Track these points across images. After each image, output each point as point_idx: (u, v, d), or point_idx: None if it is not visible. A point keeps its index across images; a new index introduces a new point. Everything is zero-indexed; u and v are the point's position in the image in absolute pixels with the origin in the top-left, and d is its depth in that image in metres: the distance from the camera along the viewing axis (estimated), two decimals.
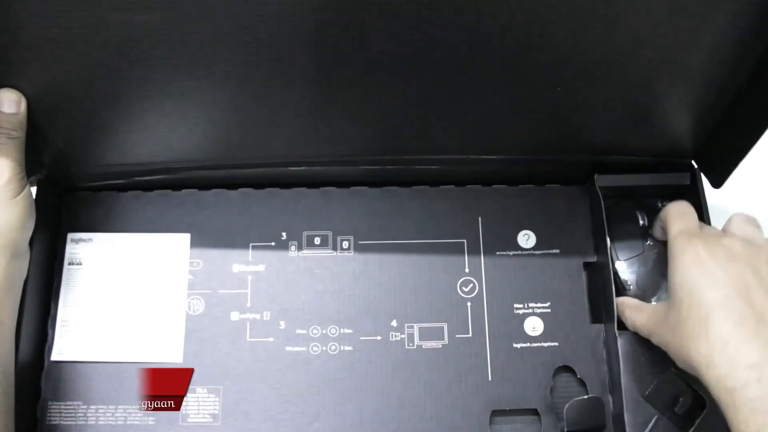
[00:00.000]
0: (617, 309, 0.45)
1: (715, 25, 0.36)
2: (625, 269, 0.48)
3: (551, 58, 0.38)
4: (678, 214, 0.43)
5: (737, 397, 0.34)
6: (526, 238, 0.49)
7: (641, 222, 0.49)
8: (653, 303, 0.46)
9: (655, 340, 0.42)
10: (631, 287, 0.47)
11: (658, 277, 0.47)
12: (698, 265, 0.39)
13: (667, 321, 0.40)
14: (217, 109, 0.42)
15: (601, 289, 0.47)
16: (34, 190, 0.47)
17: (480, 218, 0.50)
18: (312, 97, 0.41)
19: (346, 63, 0.38)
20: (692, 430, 0.43)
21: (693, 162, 0.49)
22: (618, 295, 0.46)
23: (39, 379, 0.46)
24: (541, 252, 0.49)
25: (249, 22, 0.34)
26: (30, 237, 0.43)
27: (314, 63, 0.38)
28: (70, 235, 0.48)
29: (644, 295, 0.47)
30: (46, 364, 0.46)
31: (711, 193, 0.48)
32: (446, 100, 0.42)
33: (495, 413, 0.46)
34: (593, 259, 0.49)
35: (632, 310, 0.44)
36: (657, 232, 0.47)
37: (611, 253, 0.47)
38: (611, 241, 0.47)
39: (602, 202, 0.48)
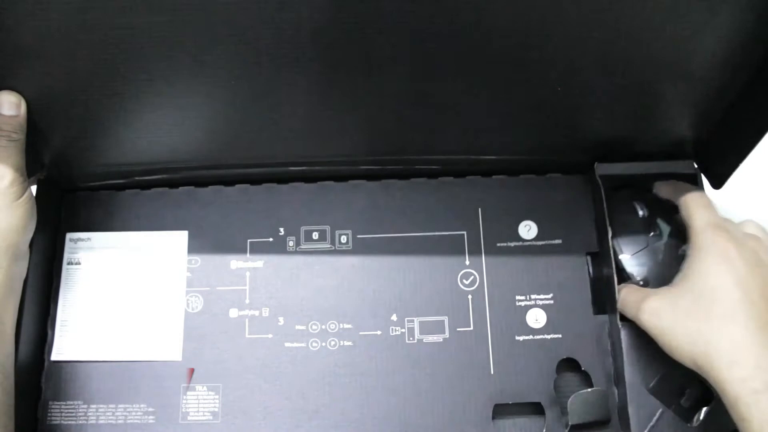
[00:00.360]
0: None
1: (715, 26, 0.36)
2: (633, 264, 0.46)
3: (552, 59, 0.38)
4: (702, 205, 0.42)
5: (762, 398, 0.34)
6: (528, 229, 0.48)
7: (641, 213, 0.47)
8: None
9: (645, 318, 0.41)
10: (641, 283, 0.46)
11: (667, 270, 0.45)
12: (726, 262, 0.38)
13: (675, 306, 0.39)
14: (217, 110, 0.42)
15: (605, 280, 0.46)
16: (33, 188, 0.47)
17: (480, 209, 0.49)
18: (312, 97, 0.41)
19: (346, 64, 0.38)
20: (698, 422, 0.42)
21: (693, 163, 0.48)
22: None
23: (39, 379, 0.46)
24: (543, 243, 0.48)
25: (249, 23, 0.34)
26: (31, 239, 0.43)
27: (314, 64, 0.37)
28: (69, 235, 0.48)
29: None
30: (46, 364, 0.46)
31: (711, 194, 0.46)
32: (446, 100, 0.41)
33: (498, 407, 0.45)
34: (596, 249, 0.48)
35: (627, 289, 0.44)
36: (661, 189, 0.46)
37: (614, 247, 0.46)
38: (613, 235, 0.46)
39: (603, 191, 0.47)
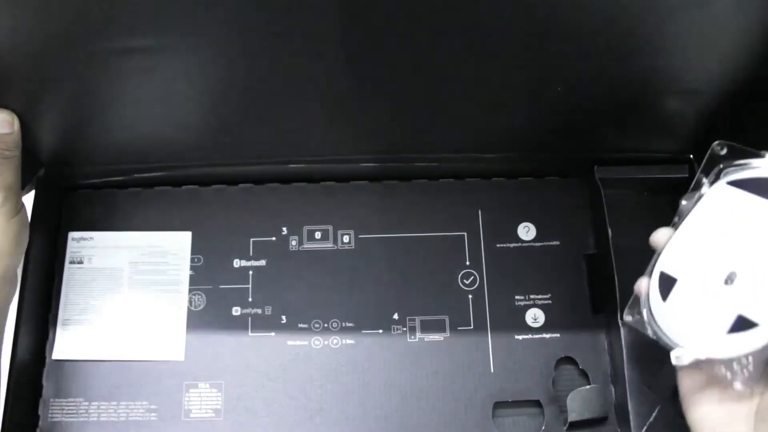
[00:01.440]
0: None
1: (715, 21, 0.36)
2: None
3: (551, 57, 0.38)
4: None
5: None
6: (526, 231, 0.49)
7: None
8: None
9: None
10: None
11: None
12: None
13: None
14: (219, 108, 0.42)
15: (602, 280, 0.47)
16: (32, 192, 0.47)
17: (480, 211, 0.50)
18: (315, 95, 0.41)
19: (347, 63, 0.38)
20: None
21: (692, 156, 0.48)
22: None
23: (40, 377, 0.45)
24: (542, 244, 0.49)
25: (254, 23, 0.34)
26: (26, 249, 0.42)
27: (318, 62, 0.38)
28: (71, 234, 0.48)
29: None
30: (47, 362, 0.46)
31: None
32: (446, 100, 0.42)
33: (497, 405, 0.46)
34: (593, 250, 0.49)
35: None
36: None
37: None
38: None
39: (602, 193, 0.48)
